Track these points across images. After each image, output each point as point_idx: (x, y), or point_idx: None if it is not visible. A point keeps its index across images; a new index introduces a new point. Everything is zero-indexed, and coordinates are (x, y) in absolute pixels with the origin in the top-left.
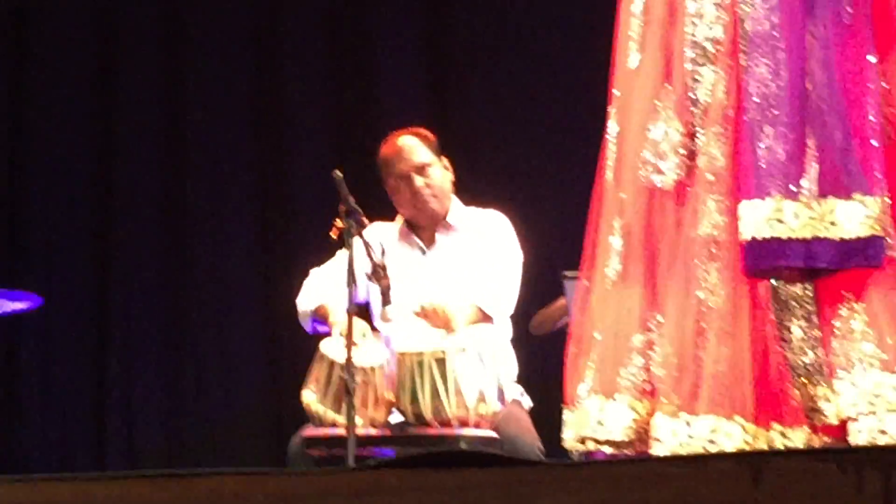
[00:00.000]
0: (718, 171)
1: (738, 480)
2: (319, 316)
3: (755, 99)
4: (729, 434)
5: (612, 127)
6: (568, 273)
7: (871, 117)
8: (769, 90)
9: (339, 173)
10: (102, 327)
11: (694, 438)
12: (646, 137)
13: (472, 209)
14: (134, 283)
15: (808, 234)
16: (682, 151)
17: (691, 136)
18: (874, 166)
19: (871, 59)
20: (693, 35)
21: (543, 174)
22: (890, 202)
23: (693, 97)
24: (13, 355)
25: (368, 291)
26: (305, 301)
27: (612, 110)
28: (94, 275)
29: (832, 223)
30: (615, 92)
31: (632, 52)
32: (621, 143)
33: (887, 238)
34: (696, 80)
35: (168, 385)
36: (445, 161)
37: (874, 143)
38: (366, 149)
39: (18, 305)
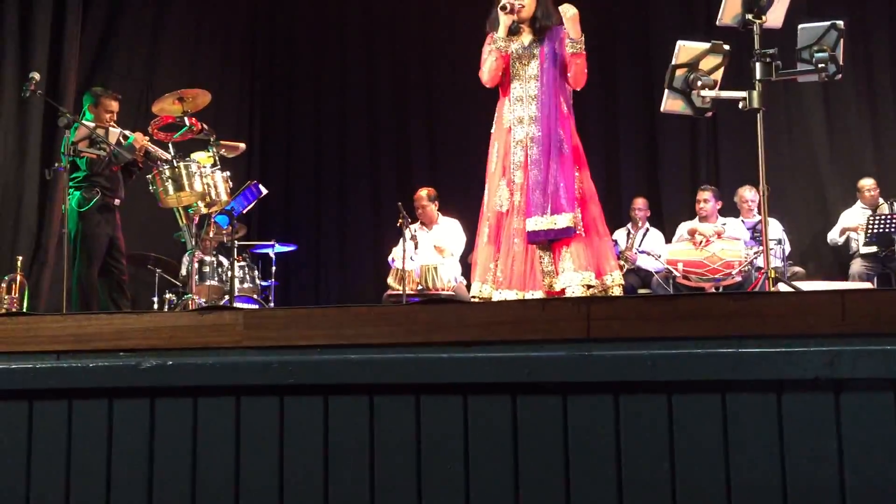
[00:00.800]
0: (520, 205)
1: (567, 309)
2: (394, 258)
3: (531, 181)
4: (513, 297)
5: (486, 191)
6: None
7: (574, 188)
8: (536, 178)
9: (400, 205)
10: (318, 264)
11: (506, 298)
12: (497, 193)
13: (446, 217)
14: (323, 243)
15: (545, 227)
16: (508, 198)
17: (512, 193)
18: (573, 202)
19: (574, 166)
20: (512, 161)
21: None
22: (582, 220)
23: (513, 181)
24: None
25: (411, 248)
26: (392, 255)
27: (488, 185)
28: (313, 237)
29: (556, 223)
30: (489, 180)
31: (492, 163)
32: (490, 196)
33: (578, 227)
34: (514, 174)
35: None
36: (435, 203)
37: (575, 196)
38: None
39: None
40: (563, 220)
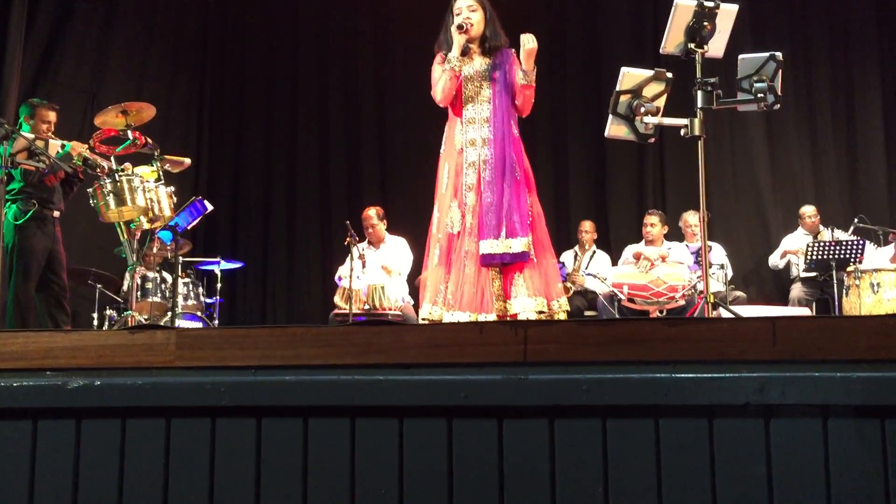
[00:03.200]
0: (472, 227)
1: (504, 333)
2: (341, 276)
3: (484, 203)
4: (465, 318)
5: (436, 211)
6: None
7: (527, 211)
8: (490, 200)
9: (348, 223)
10: (265, 282)
11: (458, 320)
12: (447, 215)
13: (393, 236)
14: (270, 260)
15: (500, 251)
16: (459, 220)
17: (463, 215)
18: (526, 226)
19: (525, 189)
20: (464, 182)
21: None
22: (531, 238)
23: (465, 202)
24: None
25: (359, 267)
26: (339, 273)
27: (438, 206)
28: (261, 255)
29: (510, 247)
30: (439, 202)
31: (442, 185)
32: (440, 217)
33: (531, 252)
34: (466, 196)
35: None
36: (384, 222)
37: (528, 219)
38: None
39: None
40: (517, 245)
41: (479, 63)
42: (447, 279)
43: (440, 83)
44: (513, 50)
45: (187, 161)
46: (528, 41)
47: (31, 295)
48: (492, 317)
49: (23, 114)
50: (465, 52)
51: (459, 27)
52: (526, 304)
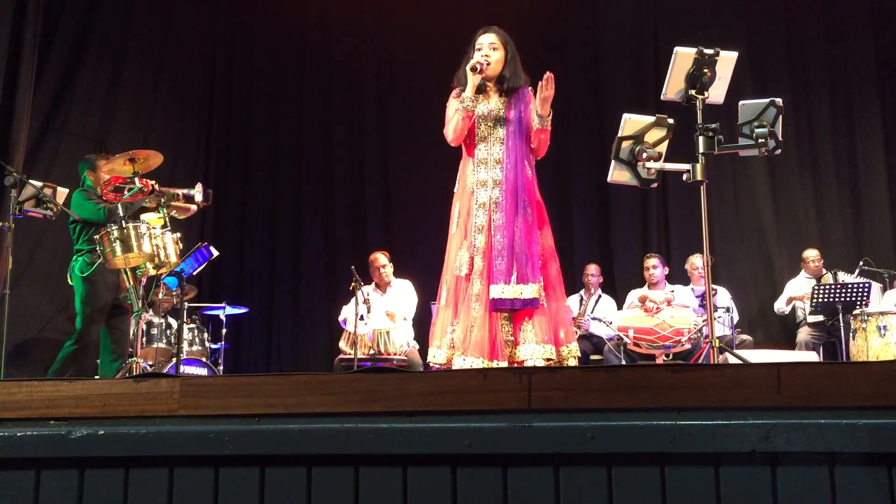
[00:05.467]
0: (482, 271)
1: (508, 380)
2: (345, 319)
3: (495, 247)
4: (479, 364)
5: (448, 252)
6: (432, 303)
7: (538, 251)
8: (501, 244)
9: (353, 268)
10: (270, 327)
11: (472, 365)
12: (456, 256)
13: (399, 279)
14: (276, 305)
15: (510, 296)
16: (468, 262)
17: (472, 258)
18: (537, 271)
19: (537, 231)
20: (474, 224)
21: (427, 258)
22: (543, 283)
23: (474, 244)
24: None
25: (364, 311)
26: (343, 314)
27: (448, 247)
28: (266, 299)
29: (521, 293)
30: (449, 242)
31: (453, 225)
32: (450, 259)
33: (541, 298)
34: (475, 238)
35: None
36: (391, 266)
37: (538, 262)
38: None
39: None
40: (528, 291)
41: (494, 102)
42: (454, 322)
43: (452, 122)
44: (530, 89)
45: (194, 207)
46: (545, 87)
47: (90, 340)
48: (504, 364)
49: (83, 170)
50: (480, 90)
51: (473, 68)
52: (534, 351)
